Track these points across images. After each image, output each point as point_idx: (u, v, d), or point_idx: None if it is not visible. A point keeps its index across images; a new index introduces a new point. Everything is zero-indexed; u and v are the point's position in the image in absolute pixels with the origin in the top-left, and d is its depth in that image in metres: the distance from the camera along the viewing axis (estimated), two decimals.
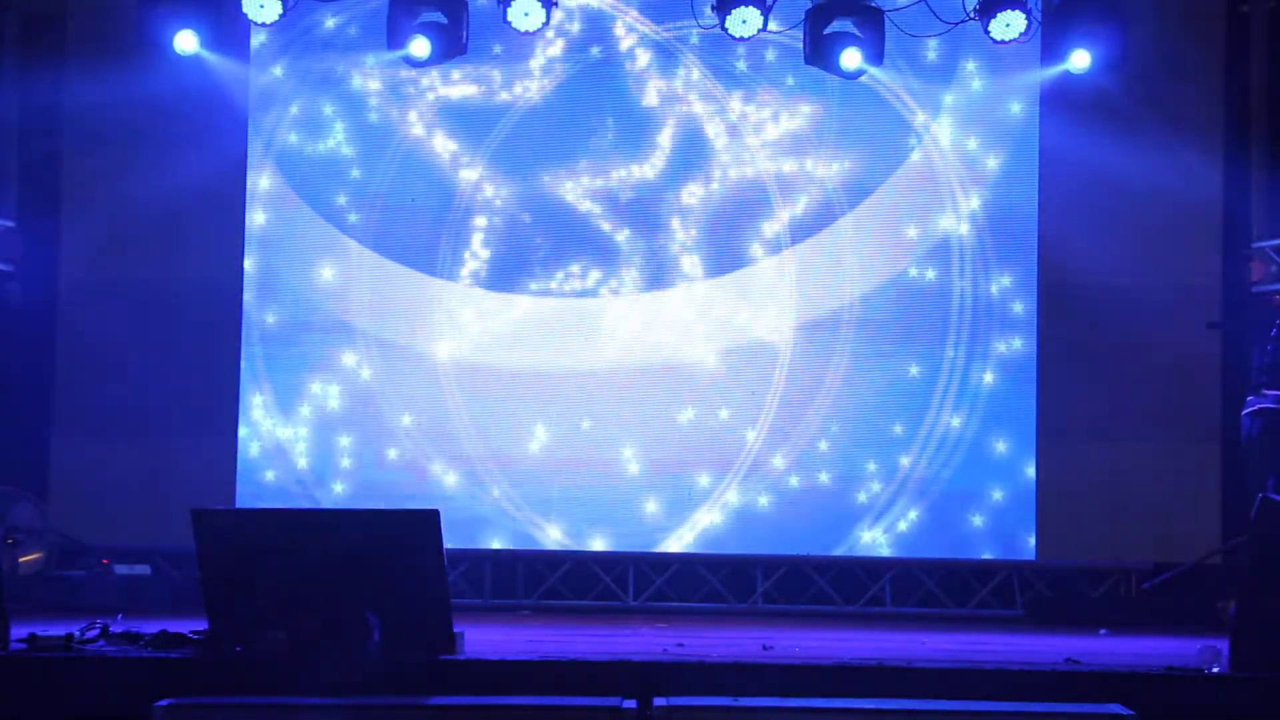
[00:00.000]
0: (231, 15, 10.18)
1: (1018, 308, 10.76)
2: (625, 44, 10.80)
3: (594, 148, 10.75)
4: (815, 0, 10.15)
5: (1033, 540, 10.63)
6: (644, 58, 10.79)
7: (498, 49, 10.71)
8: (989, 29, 10.01)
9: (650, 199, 10.76)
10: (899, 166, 10.78)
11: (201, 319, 10.62)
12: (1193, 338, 10.64)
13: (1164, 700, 6.28)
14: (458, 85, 10.75)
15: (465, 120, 10.76)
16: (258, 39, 10.69)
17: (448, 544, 6.58)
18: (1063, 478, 10.59)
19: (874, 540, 10.68)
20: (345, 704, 6.04)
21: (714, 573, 10.67)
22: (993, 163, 10.79)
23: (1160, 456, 10.59)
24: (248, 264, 10.71)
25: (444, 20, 10.18)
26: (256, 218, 10.73)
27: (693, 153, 10.76)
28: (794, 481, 10.65)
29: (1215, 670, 6.47)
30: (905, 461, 10.67)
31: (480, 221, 10.74)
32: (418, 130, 10.75)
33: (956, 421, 10.69)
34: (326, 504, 10.53)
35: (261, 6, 9.91)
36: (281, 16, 9.98)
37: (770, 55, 10.74)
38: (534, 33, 10.12)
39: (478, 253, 10.72)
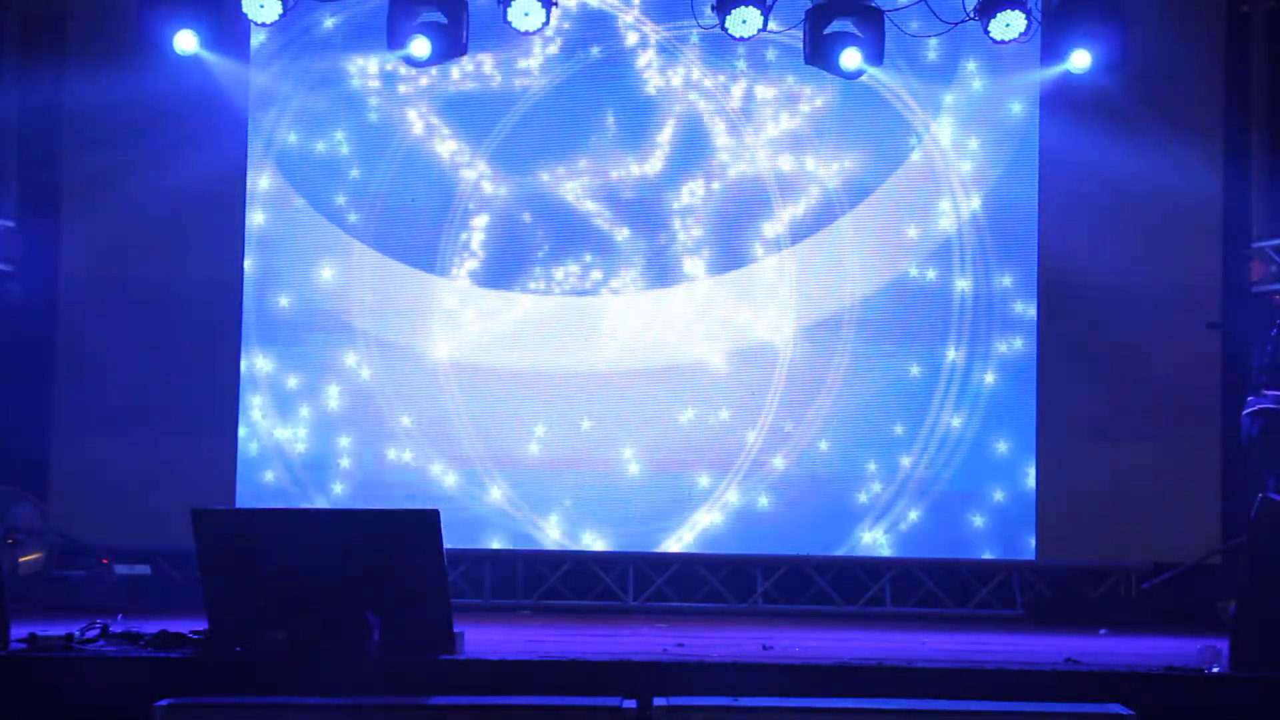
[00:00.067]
0: (231, 15, 10.18)
1: (1018, 308, 10.76)
2: (625, 43, 10.80)
3: (594, 147, 10.76)
4: (815, 0, 10.14)
5: (1033, 540, 10.64)
6: (644, 57, 10.79)
7: (498, 49, 10.71)
8: (989, 29, 10.01)
9: (650, 199, 10.76)
10: (899, 166, 10.79)
11: (201, 319, 10.62)
12: (1193, 338, 10.64)
13: (1164, 700, 6.28)
14: (458, 84, 10.75)
15: (465, 119, 10.76)
16: (257, 39, 10.69)
17: (448, 544, 6.58)
18: (1063, 478, 10.60)
19: (874, 540, 10.68)
20: (345, 704, 6.04)
21: (714, 573, 10.67)
22: (993, 162, 10.80)
23: (1160, 456, 10.60)
24: (247, 264, 10.71)
25: (444, 20, 10.18)
26: (256, 217, 10.73)
27: (693, 152, 10.77)
28: (794, 482, 10.65)
29: (1215, 670, 6.47)
30: (905, 462, 10.67)
31: (480, 221, 10.74)
32: (418, 130, 10.75)
33: (957, 422, 10.69)
34: (326, 504, 10.53)
35: (261, 6, 9.90)
36: (281, 16, 9.98)
37: (770, 55, 10.74)
38: (534, 32, 10.11)
39: (477, 252, 10.72)
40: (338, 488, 10.64)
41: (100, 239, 10.59)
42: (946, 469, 10.68)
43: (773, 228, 10.76)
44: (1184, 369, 10.63)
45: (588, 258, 10.72)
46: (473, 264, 10.72)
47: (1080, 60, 10.21)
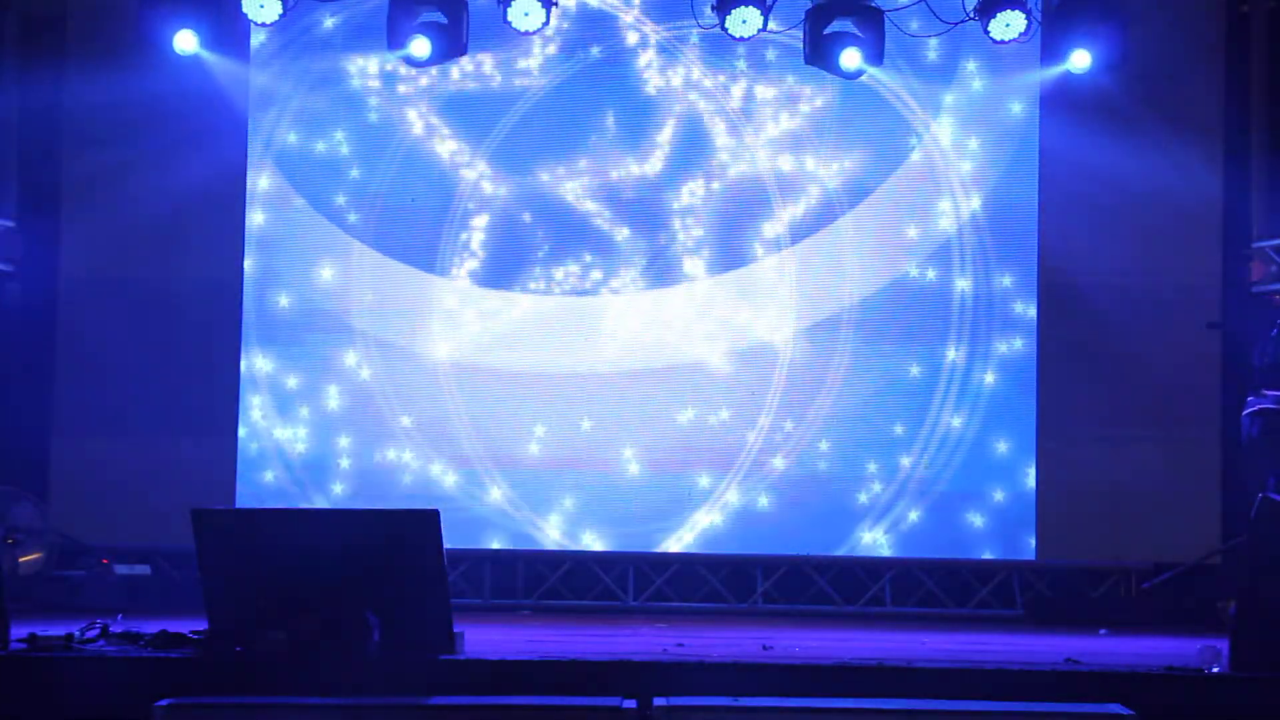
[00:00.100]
0: (231, 15, 10.17)
1: (1018, 308, 10.76)
2: (625, 43, 10.80)
3: (594, 147, 10.76)
4: (815, 0, 10.14)
5: (1033, 540, 10.63)
6: (644, 57, 10.79)
7: (498, 49, 10.71)
8: (989, 29, 10.01)
9: (650, 199, 10.76)
10: (899, 166, 10.79)
11: (201, 319, 10.62)
12: (1193, 338, 10.64)
13: (1164, 700, 6.28)
14: (458, 84, 10.75)
15: (465, 119, 10.76)
16: (257, 39, 10.69)
17: (448, 544, 6.58)
18: (1063, 478, 10.60)
19: (874, 540, 10.68)
20: (345, 704, 6.04)
21: (714, 573, 10.67)
22: (993, 162, 10.80)
23: (1160, 457, 10.60)
24: (247, 264, 10.71)
25: (444, 20, 10.17)
26: (256, 217, 10.73)
27: (693, 152, 10.77)
28: (794, 482, 10.65)
29: (1215, 670, 6.47)
30: (906, 462, 10.67)
31: (480, 221, 10.74)
32: (417, 129, 10.75)
33: (957, 422, 10.69)
34: (326, 504, 10.53)
35: (261, 6, 9.90)
36: (281, 16, 9.98)
37: (770, 55, 10.74)
38: (534, 32, 10.11)
39: (477, 252, 10.72)
40: (338, 488, 10.64)
41: (100, 239, 10.59)
42: (946, 469, 10.68)
43: (773, 228, 10.76)
44: (1184, 369, 10.63)
45: (588, 258, 10.73)
46: (473, 264, 10.72)
47: (1080, 60, 10.21)
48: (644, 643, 7.71)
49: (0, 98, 10.59)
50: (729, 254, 10.75)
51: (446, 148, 10.74)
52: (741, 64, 10.77)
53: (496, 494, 10.64)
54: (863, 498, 10.68)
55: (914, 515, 10.67)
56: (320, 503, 10.55)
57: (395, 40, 10.22)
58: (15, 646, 6.57)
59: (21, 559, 9.84)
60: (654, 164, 10.75)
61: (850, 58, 10.11)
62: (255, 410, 10.68)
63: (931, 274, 10.76)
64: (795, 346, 10.71)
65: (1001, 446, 10.71)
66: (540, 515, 10.65)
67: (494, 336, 10.69)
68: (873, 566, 10.67)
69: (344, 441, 10.66)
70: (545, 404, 10.65)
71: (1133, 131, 10.41)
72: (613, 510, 10.64)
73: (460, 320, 10.70)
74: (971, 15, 10.11)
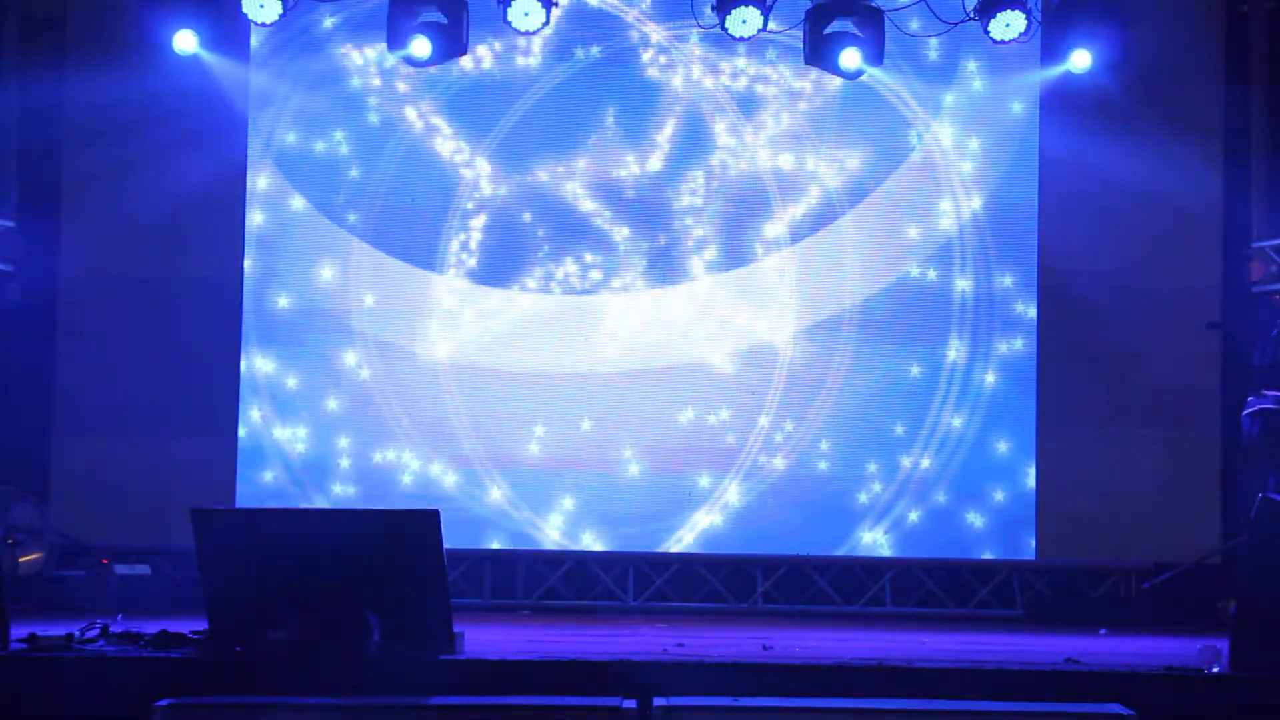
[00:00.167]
0: (231, 15, 10.16)
1: (1018, 308, 10.76)
2: (626, 43, 10.80)
3: (594, 146, 10.76)
4: (815, 0, 10.14)
5: (1033, 540, 10.63)
6: (644, 57, 10.79)
7: (498, 47, 10.72)
8: (989, 29, 10.01)
9: (650, 198, 10.76)
10: (899, 166, 10.79)
11: (201, 319, 10.62)
12: (1193, 338, 10.64)
13: (1164, 700, 6.28)
14: (458, 84, 10.75)
15: (465, 118, 10.76)
16: (257, 38, 10.69)
17: (448, 544, 6.58)
18: (1063, 478, 10.60)
19: (874, 540, 10.68)
20: (345, 704, 6.04)
21: (714, 573, 10.67)
22: (993, 162, 10.80)
23: (1160, 457, 10.60)
24: (247, 263, 10.71)
25: (444, 20, 10.16)
26: (256, 217, 10.73)
27: (693, 152, 10.77)
28: (794, 482, 10.65)
29: (1215, 670, 6.47)
30: (906, 462, 10.67)
31: (480, 221, 10.74)
32: (417, 129, 10.75)
33: (957, 422, 10.69)
34: (326, 504, 10.53)
35: (261, 6, 9.89)
36: (281, 16, 9.97)
37: (770, 55, 10.74)
38: (534, 32, 10.10)
39: (477, 252, 10.72)
40: (338, 488, 10.64)
41: (100, 239, 10.59)
42: (947, 469, 10.68)
43: (773, 228, 10.76)
44: (1184, 369, 10.63)
45: (588, 257, 10.73)
46: (472, 264, 10.72)
47: (1080, 60, 10.21)
48: (644, 643, 7.71)
49: (0, 97, 10.58)
50: (729, 254, 10.75)
51: (446, 147, 10.75)
52: (741, 64, 10.77)
53: (496, 494, 10.64)
54: (863, 498, 10.68)
55: (914, 515, 10.67)
56: (320, 503, 10.55)
57: (395, 40, 10.21)
58: (15, 646, 6.57)
59: (21, 559, 9.84)
60: (654, 164, 10.75)
61: (850, 58, 10.11)
62: (255, 410, 10.67)
63: (932, 274, 10.76)
64: (795, 346, 10.71)
65: (1001, 446, 10.71)
66: (540, 515, 10.65)
67: (494, 336, 10.69)
68: (873, 566, 10.67)
69: (344, 441, 10.66)
70: (545, 404, 10.65)
71: (1133, 131, 10.41)
72: (613, 510, 10.64)
73: (460, 320, 10.70)
74: (971, 15, 10.11)
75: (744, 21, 9.98)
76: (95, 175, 10.63)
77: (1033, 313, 10.75)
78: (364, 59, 10.73)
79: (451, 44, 10.23)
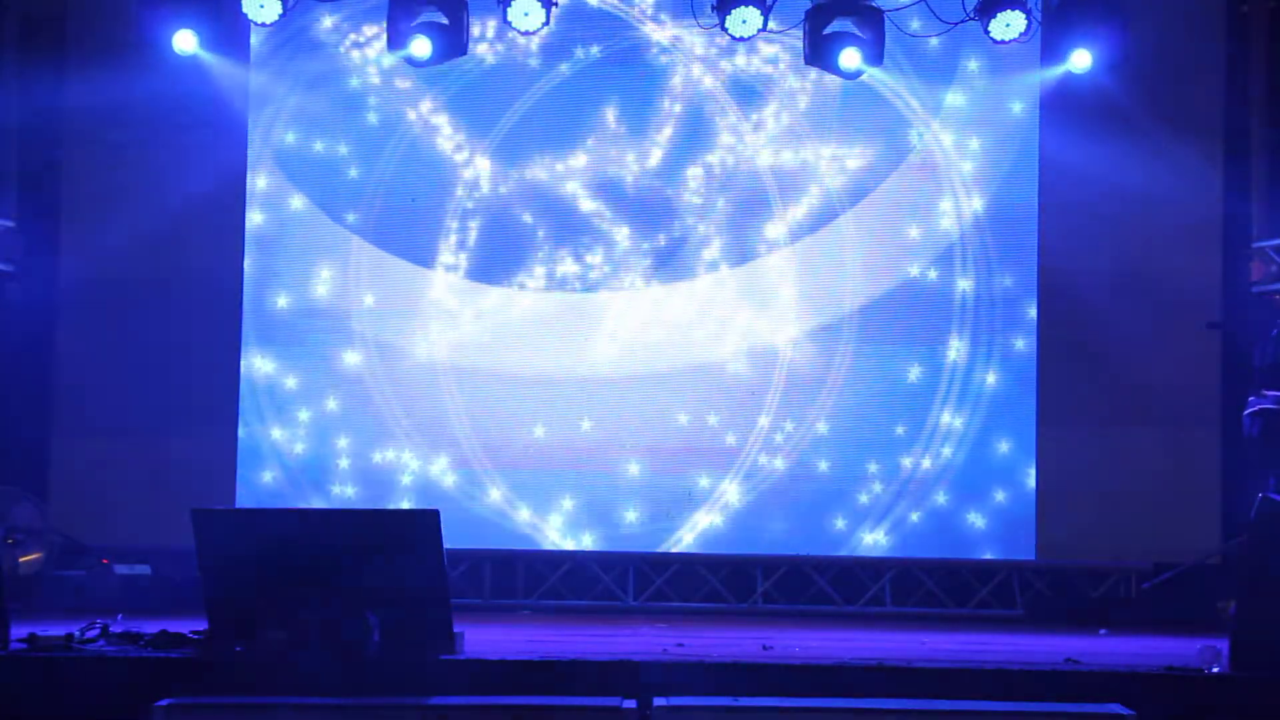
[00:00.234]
0: (231, 15, 10.17)
1: (1019, 308, 10.76)
2: (625, 43, 10.80)
3: (595, 146, 10.76)
4: (815, 0, 10.14)
5: (1033, 540, 10.63)
6: (644, 57, 10.79)
7: (499, 47, 10.72)
8: (989, 29, 10.01)
9: (651, 198, 10.76)
10: (899, 166, 10.79)
11: (201, 318, 10.62)
12: (1193, 338, 10.64)
13: (1164, 700, 6.28)
14: (458, 83, 10.75)
15: (465, 117, 10.76)
16: (257, 38, 10.68)
17: (448, 544, 6.58)
18: (1063, 478, 10.60)
19: (874, 540, 10.68)
20: (345, 704, 6.04)
21: (714, 573, 10.67)
22: (994, 162, 10.80)
23: (1160, 457, 10.60)
24: (247, 263, 10.71)
25: (444, 20, 10.16)
26: (255, 217, 10.73)
27: (693, 152, 10.77)
28: (794, 482, 10.65)
29: (1215, 670, 6.47)
30: (906, 462, 10.67)
31: (480, 220, 10.74)
32: (417, 128, 10.75)
33: (958, 422, 10.69)
34: (326, 504, 10.53)
35: (261, 7, 9.89)
36: (281, 16, 9.97)
37: (770, 54, 10.74)
38: (534, 32, 10.10)
39: (478, 251, 10.72)
40: (337, 488, 10.63)
41: (100, 239, 10.58)
42: (947, 469, 10.68)
43: (773, 227, 10.76)
44: (1184, 369, 10.63)
45: (588, 256, 10.73)
46: (472, 263, 10.72)
47: (1081, 60, 10.21)
48: (644, 643, 7.71)
49: (0, 98, 10.58)
50: (730, 254, 10.75)
51: (446, 147, 10.74)
52: (742, 63, 10.77)
53: (496, 494, 10.64)
54: (863, 498, 10.68)
55: (914, 515, 10.67)
56: (320, 503, 10.55)
57: (395, 40, 10.21)
58: (15, 646, 6.57)
59: (21, 559, 9.84)
60: (654, 164, 10.75)
61: (850, 58, 10.10)
62: (255, 410, 10.67)
63: (933, 274, 10.76)
64: (796, 347, 10.71)
65: (1002, 446, 10.71)
66: (540, 515, 10.65)
67: (494, 336, 10.69)
68: (873, 566, 10.67)
69: (343, 441, 10.65)
70: (545, 404, 10.65)
71: (1133, 132, 10.42)
72: (613, 510, 10.65)
73: (460, 320, 10.70)
74: (971, 15, 10.11)
75: (744, 21, 9.97)
76: (95, 175, 10.63)
77: (1033, 313, 10.75)
78: (364, 58, 10.73)
79: (451, 44, 10.22)
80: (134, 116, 10.43)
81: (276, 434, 10.66)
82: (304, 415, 10.66)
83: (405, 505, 10.53)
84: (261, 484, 10.63)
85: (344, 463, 10.65)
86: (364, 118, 10.75)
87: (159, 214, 10.45)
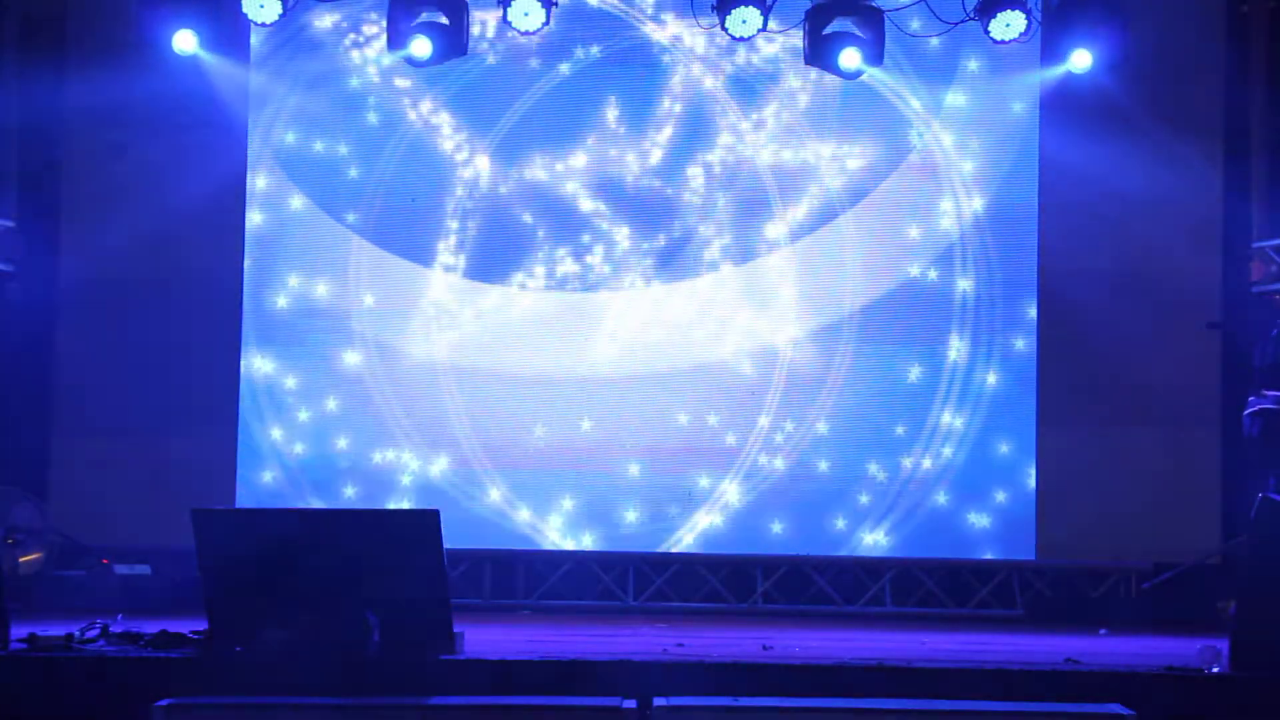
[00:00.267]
0: (231, 15, 10.17)
1: (1019, 308, 10.76)
2: (626, 43, 10.80)
3: (595, 146, 10.76)
4: (815, 0, 10.14)
5: (1033, 540, 10.63)
6: (644, 56, 10.79)
7: (499, 47, 10.72)
8: (989, 29, 10.01)
9: (651, 198, 10.76)
10: (899, 166, 10.79)
11: (201, 318, 10.62)
12: (1193, 338, 10.64)
13: (1164, 700, 6.28)
14: (458, 83, 10.75)
15: (465, 117, 10.76)
16: (257, 38, 10.68)
17: (448, 544, 6.58)
18: (1063, 478, 10.60)
19: (874, 540, 10.68)
20: (345, 704, 6.04)
21: (714, 573, 10.67)
22: (994, 162, 10.80)
23: (1160, 457, 10.60)
24: (247, 263, 10.71)
25: (444, 20, 10.17)
26: (255, 217, 10.73)
27: (693, 151, 10.77)
28: (794, 482, 10.65)
29: (1215, 670, 6.47)
30: (906, 462, 10.67)
31: (479, 220, 10.74)
32: (417, 128, 10.75)
33: (958, 422, 10.69)
34: (325, 504, 10.52)
35: (261, 6, 9.90)
36: (281, 16, 9.97)
37: (771, 54, 10.74)
38: (534, 32, 10.10)
39: (478, 251, 10.72)
40: (337, 488, 10.63)
41: (100, 239, 10.58)
42: (947, 469, 10.68)
43: (773, 227, 10.76)
44: (1184, 369, 10.63)
45: (588, 256, 10.73)
46: (472, 263, 10.72)
47: (1081, 60, 10.21)
48: (644, 643, 7.71)
49: (0, 98, 10.58)
50: (730, 254, 10.75)
51: (446, 146, 10.75)
52: (742, 62, 10.77)
53: (496, 494, 10.64)
54: (863, 498, 10.68)
55: (914, 515, 10.67)
56: (319, 503, 10.54)
57: (395, 40, 10.22)
58: (15, 646, 6.57)
59: (21, 559, 9.84)
60: (654, 163, 10.75)
61: (850, 58, 10.11)
62: (255, 410, 10.67)
63: (933, 274, 10.76)
64: (796, 346, 10.71)
65: (1002, 446, 10.71)
66: (540, 515, 10.65)
67: (494, 336, 10.69)
68: (873, 566, 10.67)
69: (343, 442, 10.65)
70: (545, 404, 10.65)
71: (1133, 132, 10.42)
72: (613, 510, 10.65)
73: (460, 319, 10.71)
74: (971, 15, 10.11)
75: (744, 21, 9.98)
76: (95, 175, 10.63)
77: (1033, 313, 10.75)
78: (364, 58, 10.73)
79: (451, 44, 10.23)
80: (134, 116, 10.43)
81: (276, 434, 10.66)
82: (304, 415, 10.67)
83: (405, 505, 10.53)
84: (261, 484, 10.63)
85: (344, 463, 10.63)
86: (364, 117, 10.76)
87: (159, 214, 10.44)
